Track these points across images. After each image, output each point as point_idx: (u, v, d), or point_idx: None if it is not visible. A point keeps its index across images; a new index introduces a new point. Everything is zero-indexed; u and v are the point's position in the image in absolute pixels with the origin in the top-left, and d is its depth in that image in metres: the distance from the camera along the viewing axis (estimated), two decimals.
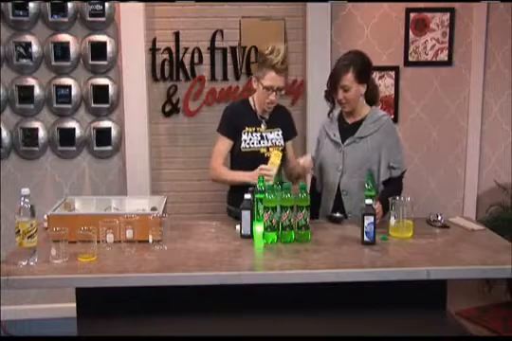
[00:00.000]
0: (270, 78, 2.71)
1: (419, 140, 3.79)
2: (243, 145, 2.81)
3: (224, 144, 2.84)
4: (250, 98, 2.89)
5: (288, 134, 2.93)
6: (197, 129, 3.71)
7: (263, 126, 2.85)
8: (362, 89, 2.68)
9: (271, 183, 2.48)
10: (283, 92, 2.83)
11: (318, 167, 2.87)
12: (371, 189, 2.43)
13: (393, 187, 2.68)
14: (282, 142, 2.87)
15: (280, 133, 2.88)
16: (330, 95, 2.73)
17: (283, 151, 2.86)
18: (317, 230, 2.46)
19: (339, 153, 2.72)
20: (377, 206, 2.46)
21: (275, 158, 2.63)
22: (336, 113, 2.85)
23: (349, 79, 2.61)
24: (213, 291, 2.10)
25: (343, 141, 2.72)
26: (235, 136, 2.82)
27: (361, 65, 2.65)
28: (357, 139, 2.69)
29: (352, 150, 2.69)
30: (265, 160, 2.74)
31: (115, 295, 2.12)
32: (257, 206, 2.38)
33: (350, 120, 2.76)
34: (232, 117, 2.85)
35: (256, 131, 2.83)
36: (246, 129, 2.82)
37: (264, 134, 2.84)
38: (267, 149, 2.82)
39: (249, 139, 2.81)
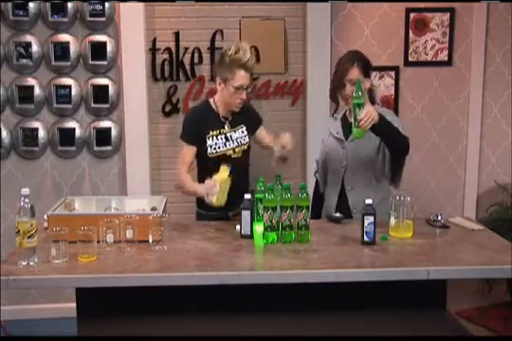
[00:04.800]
0: (241, 77, 2.70)
1: (419, 140, 3.79)
2: (209, 151, 2.79)
3: (188, 152, 2.79)
4: (211, 100, 2.86)
5: (254, 125, 2.92)
6: None
7: (226, 127, 2.83)
8: (367, 83, 2.71)
9: (214, 201, 2.45)
10: (249, 89, 2.83)
11: (322, 165, 2.88)
12: (359, 97, 2.44)
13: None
14: (247, 139, 2.87)
15: (244, 129, 2.87)
16: (335, 93, 2.74)
17: (248, 148, 2.88)
18: (317, 230, 2.46)
19: (343, 150, 2.74)
20: (367, 109, 2.42)
21: (222, 173, 2.52)
22: (339, 114, 2.87)
23: (355, 72, 2.64)
24: (213, 291, 2.10)
25: (346, 138, 2.75)
26: (199, 143, 2.79)
27: (364, 61, 2.70)
28: None
29: (355, 145, 2.71)
30: (232, 162, 2.73)
31: (115, 295, 2.12)
32: (257, 206, 2.38)
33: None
34: (195, 123, 2.81)
35: (220, 133, 2.81)
36: (211, 133, 2.79)
37: (228, 135, 2.82)
38: (233, 150, 2.82)
39: (215, 144, 2.79)
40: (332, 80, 2.75)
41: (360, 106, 2.44)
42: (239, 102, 2.77)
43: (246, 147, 2.87)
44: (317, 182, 2.98)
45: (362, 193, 2.60)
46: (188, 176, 2.79)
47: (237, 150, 2.83)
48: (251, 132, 2.91)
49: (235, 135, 2.84)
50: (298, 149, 3.76)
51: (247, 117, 2.90)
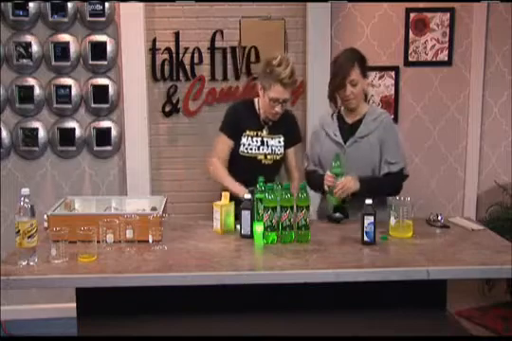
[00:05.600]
0: (277, 91, 2.68)
1: (419, 140, 3.79)
2: (241, 149, 2.80)
3: (224, 144, 2.83)
4: (256, 100, 2.86)
5: (291, 140, 2.88)
6: (197, 129, 3.71)
7: (264, 131, 2.82)
8: (366, 83, 2.69)
9: (218, 229, 2.46)
10: (288, 103, 2.80)
11: (317, 163, 2.78)
12: (338, 167, 2.48)
13: (387, 179, 2.64)
14: (281, 150, 2.85)
15: (281, 140, 2.84)
16: (334, 94, 2.68)
17: (281, 159, 2.84)
18: (317, 230, 2.46)
19: (343, 155, 2.66)
20: (345, 180, 2.46)
21: (223, 200, 2.50)
22: (335, 113, 2.80)
23: (356, 72, 2.61)
24: (213, 291, 2.10)
25: (345, 142, 2.69)
26: (237, 137, 2.81)
27: (363, 60, 2.67)
28: (358, 139, 2.66)
29: (354, 150, 2.66)
30: (262, 167, 2.74)
31: (115, 295, 2.12)
32: (257, 206, 2.38)
33: (350, 119, 2.74)
34: (236, 118, 2.83)
35: (257, 135, 2.80)
36: (248, 132, 2.80)
37: (265, 140, 2.81)
38: (265, 156, 2.81)
39: (248, 144, 2.80)
40: (331, 80, 2.67)
41: (338, 176, 2.50)
42: (274, 113, 2.75)
43: (278, 157, 2.84)
44: (307, 174, 2.83)
45: (360, 200, 2.45)
46: (224, 169, 2.79)
47: (269, 157, 2.82)
48: (286, 146, 2.87)
49: (271, 142, 2.82)
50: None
51: (289, 129, 2.87)
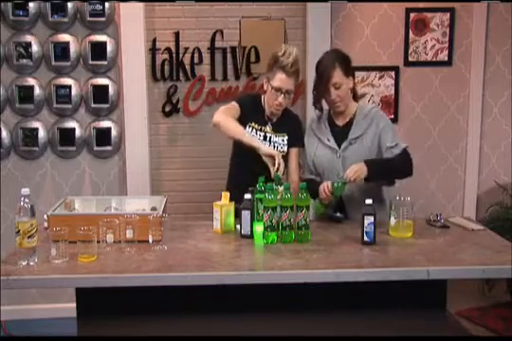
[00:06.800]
0: (279, 79, 2.68)
1: (419, 140, 3.79)
2: None
3: (234, 108, 2.77)
4: (263, 96, 2.86)
5: (293, 141, 2.83)
6: (197, 129, 3.71)
7: (268, 127, 2.81)
8: (351, 83, 2.64)
9: (218, 229, 2.47)
10: (291, 96, 2.78)
11: (313, 169, 2.76)
12: (339, 190, 2.48)
13: (395, 159, 2.58)
14: (284, 149, 2.81)
15: (285, 138, 2.82)
16: (319, 100, 2.67)
17: (283, 158, 2.78)
18: (317, 230, 2.46)
19: (338, 159, 2.64)
20: (354, 168, 2.46)
21: (223, 200, 2.50)
22: (324, 116, 2.77)
23: (338, 75, 2.57)
24: (213, 291, 2.10)
25: (339, 146, 2.65)
26: (244, 114, 2.76)
27: (344, 59, 2.63)
28: (352, 141, 2.63)
29: (350, 154, 2.62)
30: (263, 162, 2.67)
31: (115, 295, 2.12)
32: (257, 206, 2.38)
33: (340, 122, 2.70)
34: (247, 104, 2.81)
35: (261, 130, 2.79)
36: (253, 124, 2.78)
37: (268, 135, 2.79)
38: None
39: (252, 136, 2.75)
40: (315, 85, 2.65)
41: (335, 196, 2.53)
42: (276, 104, 2.73)
43: (280, 155, 2.76)
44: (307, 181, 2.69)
45: (361, 203, 2.41)
46: (233, 119, 2.71)
47: None
48: (289, 145, 2.83)
49: (275, 139, 2.80)
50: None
51: (292, 131, 2.83)
